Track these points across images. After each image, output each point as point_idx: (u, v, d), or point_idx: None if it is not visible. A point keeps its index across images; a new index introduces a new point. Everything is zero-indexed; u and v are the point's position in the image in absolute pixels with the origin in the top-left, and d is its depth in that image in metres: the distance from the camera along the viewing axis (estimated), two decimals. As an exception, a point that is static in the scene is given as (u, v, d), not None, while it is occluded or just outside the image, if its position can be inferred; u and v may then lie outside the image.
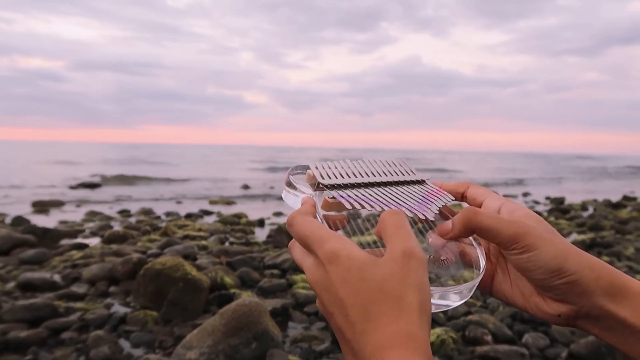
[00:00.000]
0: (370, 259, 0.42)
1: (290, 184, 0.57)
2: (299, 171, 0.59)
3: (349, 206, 0.52)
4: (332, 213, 0.55)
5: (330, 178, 0.55)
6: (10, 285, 3.66)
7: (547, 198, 11.61)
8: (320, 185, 0.55)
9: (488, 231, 0.49)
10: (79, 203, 9.81)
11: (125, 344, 2.73)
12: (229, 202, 10.37)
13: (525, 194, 13.13)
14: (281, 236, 5.37)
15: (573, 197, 12.41)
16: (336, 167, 0.57)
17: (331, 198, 0.53)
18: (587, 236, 6.01)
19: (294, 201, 0.56)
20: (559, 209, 9.08)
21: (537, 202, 10.83)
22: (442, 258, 0.54)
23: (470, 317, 3.00)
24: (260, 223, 7.05)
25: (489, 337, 2.75)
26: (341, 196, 0.53)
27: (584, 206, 9.81)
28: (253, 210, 8.82)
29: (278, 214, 8.28)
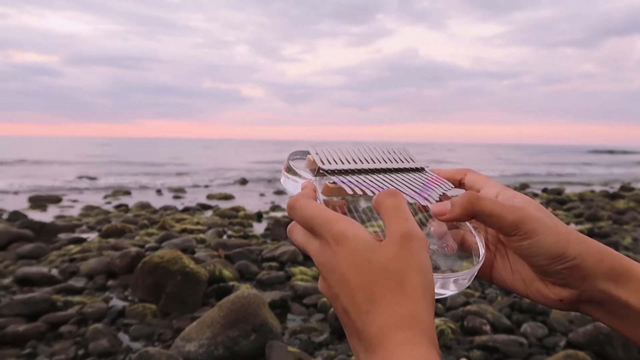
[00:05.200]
0: (375, 241, 0.42)
1: (289, 169, 0.57)
2: (299, 156, 0.58)
3: (350, 192, 0.51)
4: (332, 198, 0.54)
5: (330, 163, 0.54)
6: (8, 280, 3.65)
7: (544, 190, 11.63)
8: (321, 171, 0.54)
9: (490, 216, 0.48)
10: (76, 198, 9.79)
11: (124, 337, 2.73)
12: (226, 195, 10.35)
13: (523, 186, 13.15)
14: (279, 229, 5.37)
15: (570, 188, 12.44)
16: (336, 153, 0.56)
17: (332, 183, 0.53)
18: (585, 227, 6.03)
19: (293, 187, 0.56)
20: (556, 199, 9.09)
21: (535, 195, 10.84)
22: (443, 245, 0.53)
23: (468, 307, 3.00)
24: (258, 216, 7.05)
25: (487, 327, 2.76)
26: (342, 182, 0.52)
27: (581, 197, 9.83)
28: (251, 204, 8.81)
29: (275, 208, 8.27)
